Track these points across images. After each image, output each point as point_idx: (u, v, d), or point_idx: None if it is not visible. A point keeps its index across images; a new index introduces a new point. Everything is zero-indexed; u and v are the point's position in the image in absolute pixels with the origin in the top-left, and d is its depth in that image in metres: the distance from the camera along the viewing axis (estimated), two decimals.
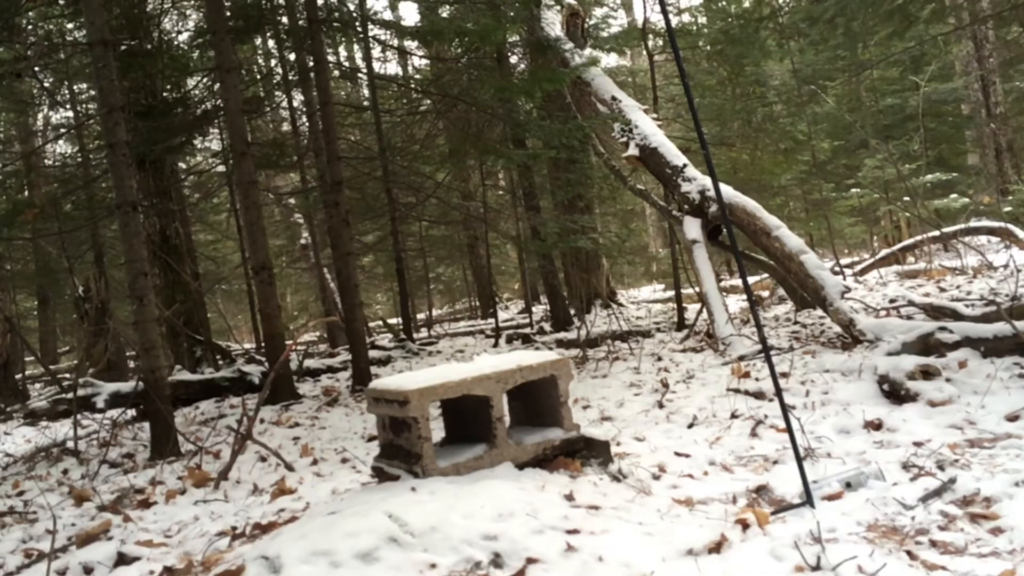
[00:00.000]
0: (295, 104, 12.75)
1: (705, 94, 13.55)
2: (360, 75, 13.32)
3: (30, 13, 8.47)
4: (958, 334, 4.60)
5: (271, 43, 13.15)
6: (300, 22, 8.84)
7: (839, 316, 5.99)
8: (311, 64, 8.94)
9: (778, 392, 2.92)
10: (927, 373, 4.15)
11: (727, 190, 7.18)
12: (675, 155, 7.83)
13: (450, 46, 10.92)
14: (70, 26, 9.87)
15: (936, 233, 11.11)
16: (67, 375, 11.47)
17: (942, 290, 8.36)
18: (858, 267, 12.17)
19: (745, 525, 2.59)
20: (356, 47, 16.06)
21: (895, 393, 4.12)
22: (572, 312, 11.68)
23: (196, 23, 11.79)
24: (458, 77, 10.89)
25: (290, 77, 11.51)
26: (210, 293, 13.26)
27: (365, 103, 13.63)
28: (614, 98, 8.55)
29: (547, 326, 11.52)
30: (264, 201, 12.39)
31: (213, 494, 4.05)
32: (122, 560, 3.00)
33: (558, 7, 9.87)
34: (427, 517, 2.55)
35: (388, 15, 17.53)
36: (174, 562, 2.91)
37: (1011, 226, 10.61)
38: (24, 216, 8.89)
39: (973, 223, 11.40)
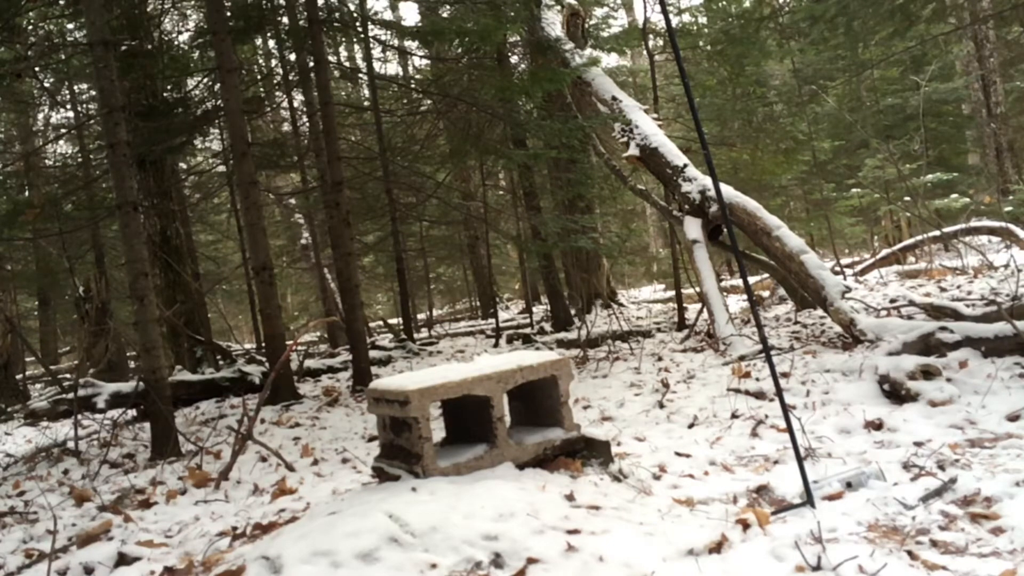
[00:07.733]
0: (295, 104, 12.78)
1: (705, 94, 13.54)
2: (360, 75, 13.32)
3: (30, 13, 8.47)
4: (959, 334, 4.60)
5: (271, 43, 13.17)
6: (300, 22, 8.85)
7: (840, 316, 5.99)
8: (311, 64, 8.94)
9: (779, 392, 2.92)
10: (928, 373, 4.15)
11: (727, 190, 7.18)
12: (675, 155, 7.83)
13: (450, 46, 10.91)
14: (70, 26, 9.87)
15: (937, 233, 11.10)
16: (67, 375, 11.48)
17: (943, 290, 8.35)
18: (859, 267, 12.16)
19: (746, 525, 2.58)
20: (356, 47, 16.04)
21: (896, 393, 4.12)
22: (572, 312, 11.67)
23: (196, 23, 11.80)
24: (458, 77, 10.89)
25: (290, 77, 11.52)
26: (211, 293, 13.24)
27: (365, 103, 13.63)
28: (614, 98, 8.55)
29: (548, 326, 11.51)
30: (264, 201, 12.42)
31: (214, 494, 4.05)
32: (123, 560, 3.00)
33: (558, 7, 9.88)
34: (428, 517, 2.54)
35: (388, 15, 17.51)
36: (175, 562, 2.91)
37: (1012, 226, 10.61)
38: (24, 216, 8.89)
39: (974, 223, 11.40)
